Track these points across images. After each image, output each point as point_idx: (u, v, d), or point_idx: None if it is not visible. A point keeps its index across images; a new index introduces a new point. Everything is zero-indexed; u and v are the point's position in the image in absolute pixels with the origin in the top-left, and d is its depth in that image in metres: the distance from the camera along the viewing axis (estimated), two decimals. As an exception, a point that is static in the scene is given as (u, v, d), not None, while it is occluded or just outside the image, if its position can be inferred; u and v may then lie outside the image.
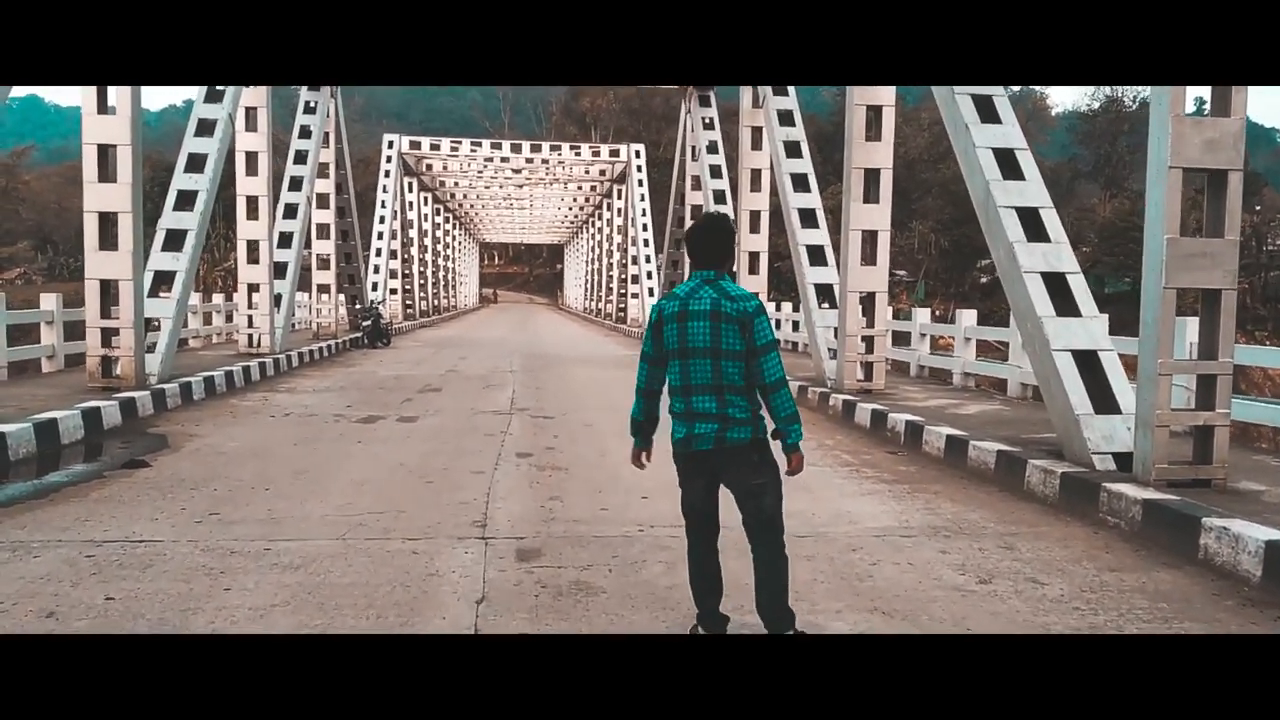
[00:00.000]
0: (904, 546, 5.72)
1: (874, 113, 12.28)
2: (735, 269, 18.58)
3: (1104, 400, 7.37)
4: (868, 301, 12.43)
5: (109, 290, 11.30)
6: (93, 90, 11.03)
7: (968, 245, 60.44)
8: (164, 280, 13.14)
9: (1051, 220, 8.41)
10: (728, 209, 20.91)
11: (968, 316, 13.84)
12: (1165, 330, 6.37)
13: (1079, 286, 8.03)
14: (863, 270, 12.32)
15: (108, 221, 11.19)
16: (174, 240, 13.38)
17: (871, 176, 12.25)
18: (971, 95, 9.20)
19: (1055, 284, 8.01)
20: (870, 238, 12.34)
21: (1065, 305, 7.91)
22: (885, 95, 12.25)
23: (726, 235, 3.98)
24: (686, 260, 4.14)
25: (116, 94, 11.09)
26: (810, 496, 7.00)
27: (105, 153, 11.14)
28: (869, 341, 12.48)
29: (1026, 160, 8.85)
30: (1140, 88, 69.60)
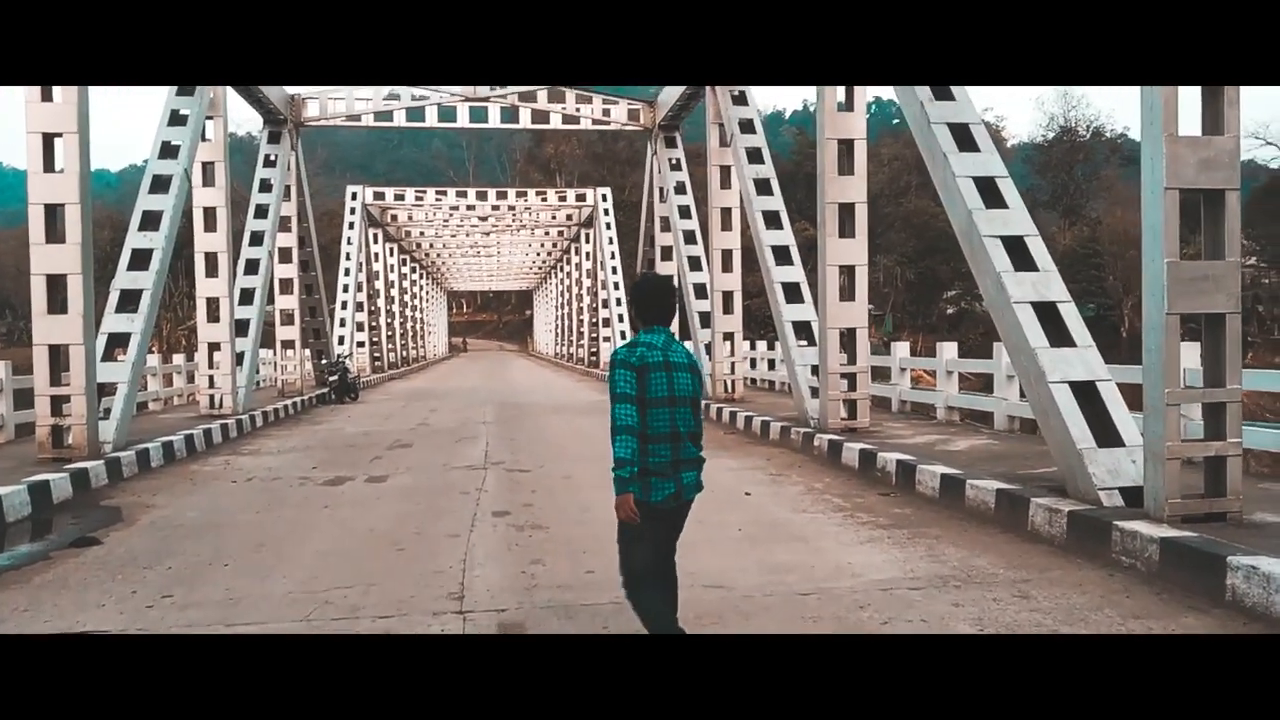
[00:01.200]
0: (914, 601, 5.34)
1: (845, 146, 12.10)
2: (710, 309, 18.33)
3: (1106, 433, 7.08)
4: (848, 338, 12.16)
5: (59, 355, 10.77)
6: (39, 148, 10.59)
7: (932, 278, 60.97)
8: (119, 342, 12.60)
9: (1038, 248, 8.19)
10: (698, 249, 20.69)
11: (948, 349, 13.62)
12: (1170, 358, 6.09)
13: (1071, 315, 7.78)
14: (841, 306, 12.06)
15: (57, 284, 10.69)
16: (129, 300, 12.86)
17: (846, 211, 12.04)
18: (949, 124, 9.02)
19: (1047, 314, 7.75)
20: (847, 273, 12.10)
21: (1058, 335, 7.65)
22: (857, 128, 12.09)
23: (673, 293, 4.25)
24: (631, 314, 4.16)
25: (63, 150, 10.67)
26: (807, 548, 6.62)
27: (53, 212, 10.67)
28: (851, 378, 12.18)
29: (1008, 188, 8.64)
30: (1092, 117, 71.40)
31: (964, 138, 9.02)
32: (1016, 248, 8.15)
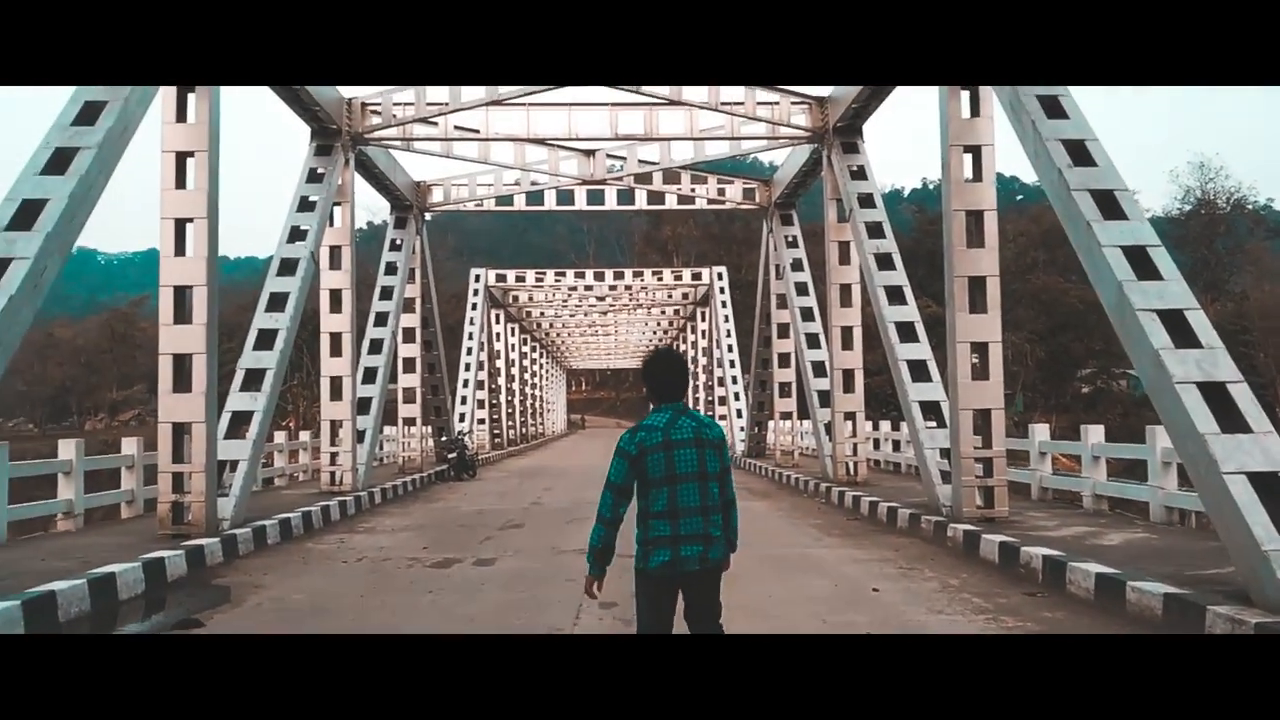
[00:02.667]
0: (1077, 729, 4.59)
1: (974, 218, 11.47)
2: (830, 388, 17.66)
3: (1295, 532, 6.17)
4: (982, 419, 11.34)
5: (182, 433, 10.98)
6: (171, 232, 11.00)
7: (1065, 355, 58.36)
8: (242, 420, 12.84)
9: (1200, 322, 7.39)
10: (816, 325, 20.12)
11: (1095, 432, 12.59)
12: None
13: (1244, 397, 6.93)
14: (974, 385, 11.29)
15: (182, 363, 10.96)
16: (253, 379, 13.15)
17: (977, 285, 11.35)
18: (1090, 190, 8.35)
19: (1215, 395, 6.92)
20: (980, 350, 11.35)
21: (1230, 420, 6.80)
22: (986, 199, 11.47)
23: (685, 368, 4.32)
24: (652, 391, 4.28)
25: (194, 235, 11.05)
26: (946, 657, 5.90)
27: (181, 294, 11.01)
28: (986, 463, 11.32)
29: (1161, 257, 7.89)
30: (1232, 189, 67.96)
31: (1108, 204, 8.33)
32: (1175, 323, 7.37)
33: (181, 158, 11.21)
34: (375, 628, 7.00)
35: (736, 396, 32.83)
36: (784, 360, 23.85)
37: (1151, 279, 7.71)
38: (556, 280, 40.82)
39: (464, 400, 34.05)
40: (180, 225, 11.17)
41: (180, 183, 11.19)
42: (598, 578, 4.25)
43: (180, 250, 11.14)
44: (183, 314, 11.03)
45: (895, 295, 14.53)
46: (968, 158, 11.53)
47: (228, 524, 11.35)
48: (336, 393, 17.22)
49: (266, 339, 13.60)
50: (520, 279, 40.43)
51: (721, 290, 35.80)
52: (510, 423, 44.94)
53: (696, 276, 39.44)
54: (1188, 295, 7.61)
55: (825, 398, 18.20)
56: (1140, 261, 7.83)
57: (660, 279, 41.29)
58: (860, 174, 16.39)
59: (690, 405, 4.89)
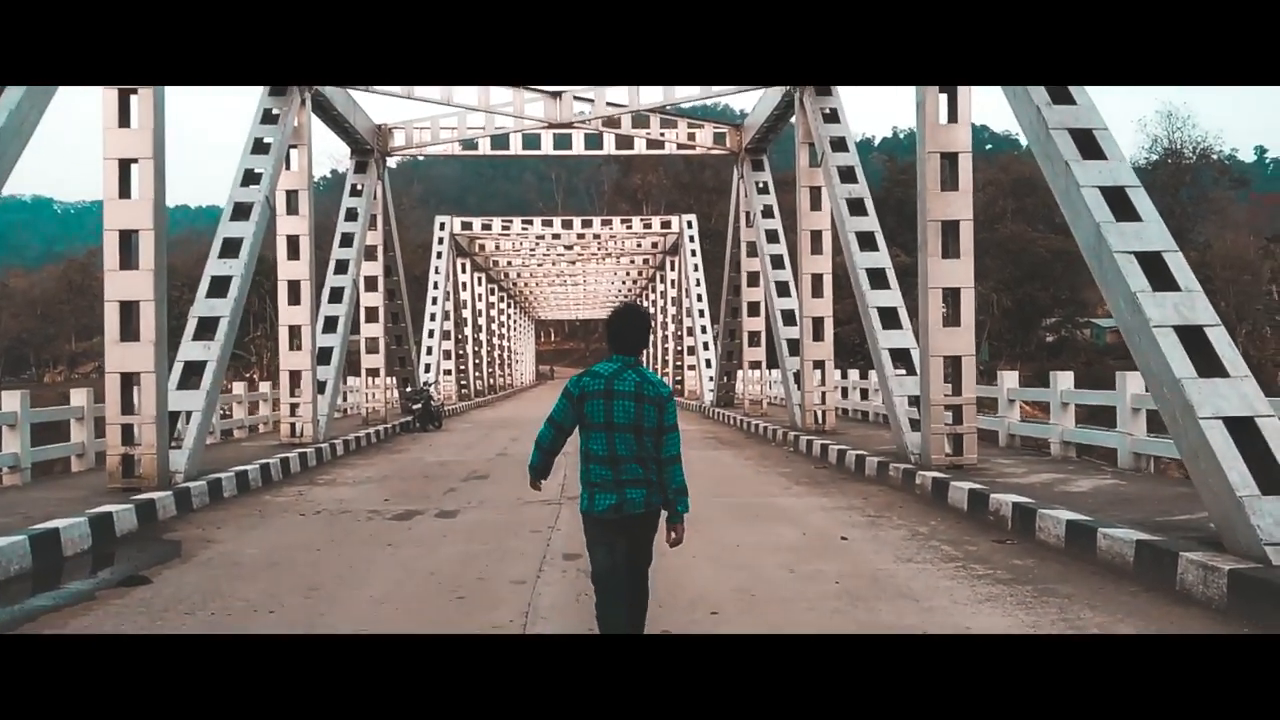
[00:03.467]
0: (1052, 680, 4.45)
1: (949, 160, 11.23)
2: (799, 336, 17.48)
3: (1270, 477, 6.06)
4: (952, 367, 11.20)
5: (131, 384, 10.58)
6: (115, 174, 10.49)
7: (1030, 304, 58.75)
8: (195, 370, 12.42)
9: (1179, 265, 7.22)
10: (786, 274, 19.87)
11: (1064, 379, 12.52)
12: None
13: (1221, 341, 6.79)
14: (945, 332, 11.13)
15: (129, 311, 10.51)
16: (206, 328, 12.69)
17: (950, 229, 11.14)
18: (1069, 130, 8.12)
19: (1192, 339, 6.77)
20: (952, 296, 11.18)
21: (1207, 364, 6.66)
22: (961, 141, 11.23)
23: (646, 326, 4.46)
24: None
25: (139, 176, 10.55)
26: (917, 608, 5.77)
27: (127, 239, 10.53)
28: (956, 410, 11.21)
29: (1140, 198, 7.69)
30: (1199, 138, 68.41)
31: (1088, 144, 8.10)
32: (1154, 265, 7.20)
33: (125, 95, 10.64)
34: (330, 584, 6.75)
35: (706, 346, 32.66)
36: (753, 309, 23.64)
37: (1130, 220, 7.51)
38: (524, 228, 40.25)
39: (429, 351, 33.59)
40: (125, 166, 10.65)
41: (124, 120, 10.64)
42: (537, 480, 4.61)
43: (125, 193, 10.63)
44: (129, 259, 10.55)
45: (867, 241, 14.31)
46: (943, 98, 11.23)
47: (181, 477, 11.01)
48: (296, 342, 16.79)
49: (220, 286, 13.13)
50: (487, 227, 39.80)
51: (691, 239, 35.43)
52: (478, 374, 44.54)
53: (666, 225, 39.03)
54: (1166, 237, 7.43)
55: (795, 346, 18.03)
56: (1119, 202, 7.63)
57: (630, 227, 40.84)
58: (833, 117, 16.04)
59: (644, 361, 4.80)
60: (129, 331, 10.52)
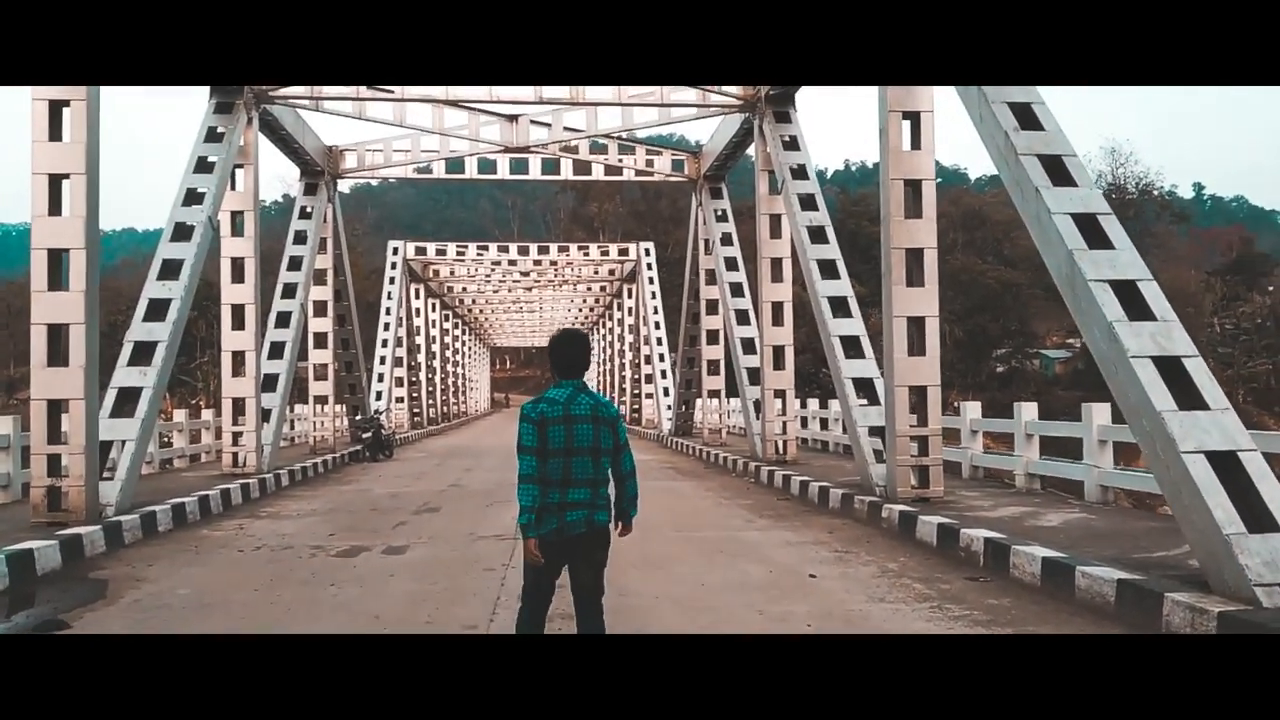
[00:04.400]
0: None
1: (912, 187, 11.07)
2: (759, 365, 17.24)
3: (1256, 515, 5.84)
4: (918, 397, 10.99)
5: (58, 411, 9.96)
6: (44, 190, 9.93)
7: (981, 335, 59.43)
8: (130, 397, 11.79)
9: (1154, 294, 7.04)
10: (746, 302, 19.65)
11: (1028, 409, 12.39)
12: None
13: (1200, 372, 6.60)
14: (910, 362, 10.92)
15: (58, 334, 9.91)
16: (142, 353, 12.07)
17: (914, 257, 10.97)
18: (1039, 155, 7.96)
19: (1171, 370, 6.57)
20: (916, 325, 10.99)
21: (1187, 396, 6.46)
22: (925, 168, 11.09)
23: (587, 347, 4.64)
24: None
25: (70, 193, 9.99)
26: (896, 653, 5.43)
27: (56, 258, 9.94)
28: (922, 442, 10.98)
29: (1113, 226, 7.53)
30: (1140, 174, 70.41)
31: (1057, 171, 7.94)
32: (1129, 294, 7.02)
33: (56, 106, 10.10)
34: (264, 627, 6.25)
35: (664, 374, 32.37)
36: (712, 337, 23.39)
37: (1103, 247, 7.35)
38: (479, 254, 39.77)
39: (381, 378, 32.84)
40: (56, 181, 10.08)
41: (55, 134, 10.10)
42: (537, 538, 4.32)
43: (55, 210, 10.06)
44: (58, 280, 9.96)
45: (828, 269, 14.13)
46: (906, 124, 11.09)
47: (112, 510, 10.38)
48: (239, 368, 16.16)
49: (158, 309, 12.53)
50: (441, 252, 39.26)
51: (649, 266, 35.22)
52: (431, 401, 43.73)
53: (624, 252, 38.79)
54: (1140, 265, 7.27)
55: (755, 375, 17.78)
56: (1091, 230, 7.46)
57: (587, 254, 40.53)
58: (793, 144, 15.92)
59: (596, 387, 4.65)
60: (57, 356, 9.91)
